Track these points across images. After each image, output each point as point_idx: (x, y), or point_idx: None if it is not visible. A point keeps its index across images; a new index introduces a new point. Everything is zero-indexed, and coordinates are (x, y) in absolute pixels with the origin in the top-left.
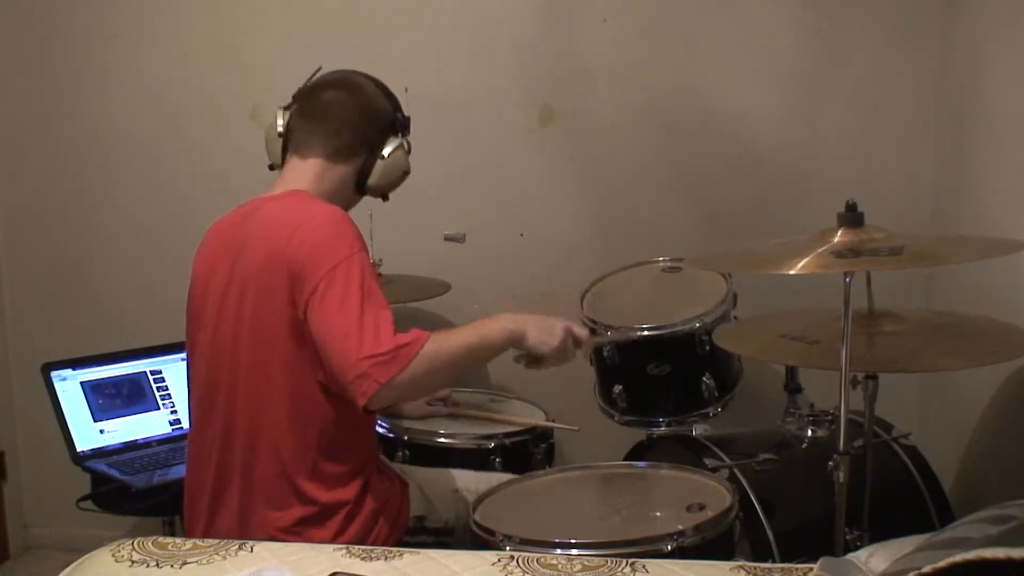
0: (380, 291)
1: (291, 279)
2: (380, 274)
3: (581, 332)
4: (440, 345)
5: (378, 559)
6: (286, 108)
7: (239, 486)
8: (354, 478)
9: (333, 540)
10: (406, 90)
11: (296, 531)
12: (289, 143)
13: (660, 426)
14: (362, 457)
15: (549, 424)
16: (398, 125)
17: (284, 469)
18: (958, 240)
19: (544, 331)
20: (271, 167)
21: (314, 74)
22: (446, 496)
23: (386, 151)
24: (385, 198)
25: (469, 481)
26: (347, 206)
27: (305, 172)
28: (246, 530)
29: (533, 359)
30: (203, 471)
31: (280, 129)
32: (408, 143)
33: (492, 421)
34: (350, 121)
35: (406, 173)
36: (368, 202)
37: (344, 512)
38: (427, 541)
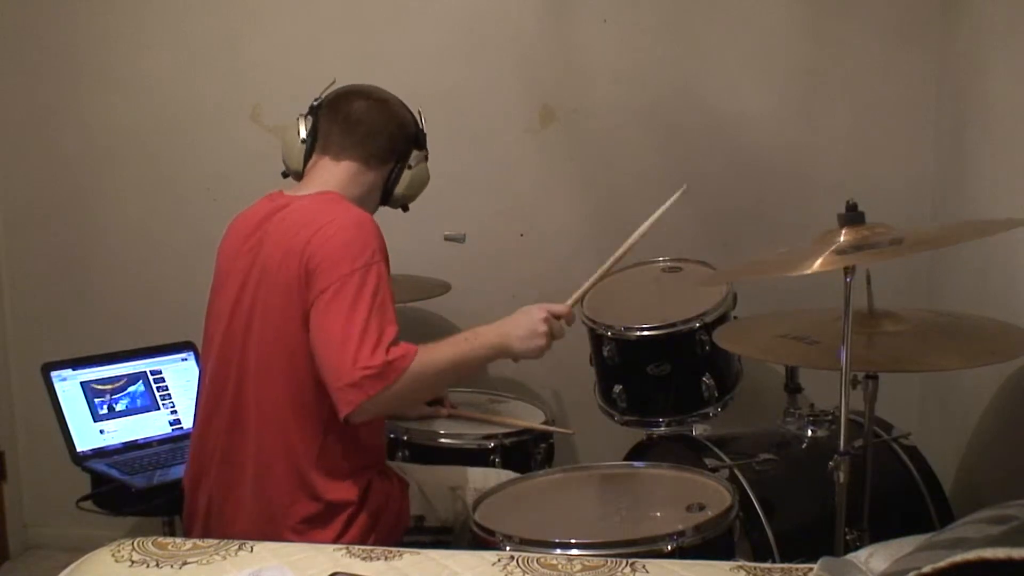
0: (392, 305)
1: (306, 275)
2: None
3: (560, 309)
4: (426, 363)
5: (378, 559)
6: (306, 116)
7: (248, 481)
8: (360, 476)
9: (335, 541)
10: (419, 112)
11: (300, 529)
12: (315, 147)
13: (660, 426)
14: (369, 455)
15: (545, 428)
16: (421, 139)
17: (293, 463)
18: (957, 226)
19: (527, 337)
20: (285, 175)
21: (329, 86)
22: (444, 494)
23: (412, 161)
24: (405, 208)
25: (467, 478)
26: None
27: (338, 173)
28: (250, 526)
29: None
30: (207, 466)
31: (303, 136)
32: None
33: (489, 422)
34: (384, 128)
35: (426, 182)
36: None
37: (347, 513)
38: (425, 540)
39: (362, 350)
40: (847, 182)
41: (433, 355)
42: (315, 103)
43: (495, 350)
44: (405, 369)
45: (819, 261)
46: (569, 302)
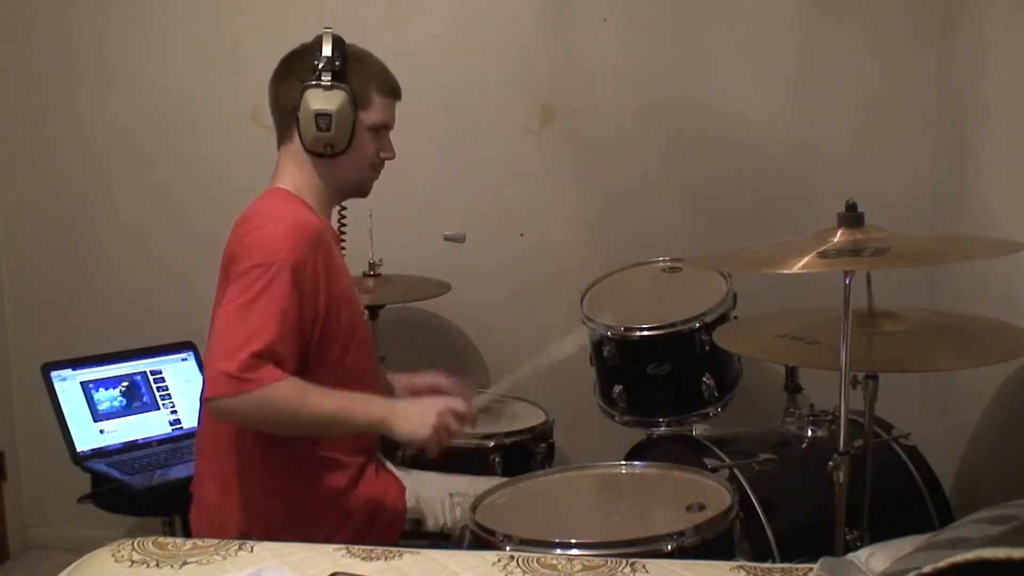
0: (289, 313)
1: (226, 266)
2: (379, 274)
3: (460, 407)
4: (285, 395)
5: (378, 559)
6: None
7: (234, 472)
8: (345, 467)
9: (328, 539)
10: (328, 32)
11: (293, 526)
12: None
13: (660, 426)
14: (353, 445)
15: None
16: (319, 70)
17: (270, 450)
18: (948, 240)
19: (413, 424)
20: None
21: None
22: (442, 500)
23: (300, 112)
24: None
25: (466, 486)
26: (331, 198)
27: (280, 166)
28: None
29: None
30: (200, 463)
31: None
32: (343, 88)
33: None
34: (275, 96)
35: (320, 114)
36: (369, 202)
37: (337, 510)
38: (423, 545)
39: (227, 347)
40: (847, 182)
41: (302, 394)
42: None
43: (376, 424)
44: (250, 391)
45: (802, 262)
46: (474, 407)
